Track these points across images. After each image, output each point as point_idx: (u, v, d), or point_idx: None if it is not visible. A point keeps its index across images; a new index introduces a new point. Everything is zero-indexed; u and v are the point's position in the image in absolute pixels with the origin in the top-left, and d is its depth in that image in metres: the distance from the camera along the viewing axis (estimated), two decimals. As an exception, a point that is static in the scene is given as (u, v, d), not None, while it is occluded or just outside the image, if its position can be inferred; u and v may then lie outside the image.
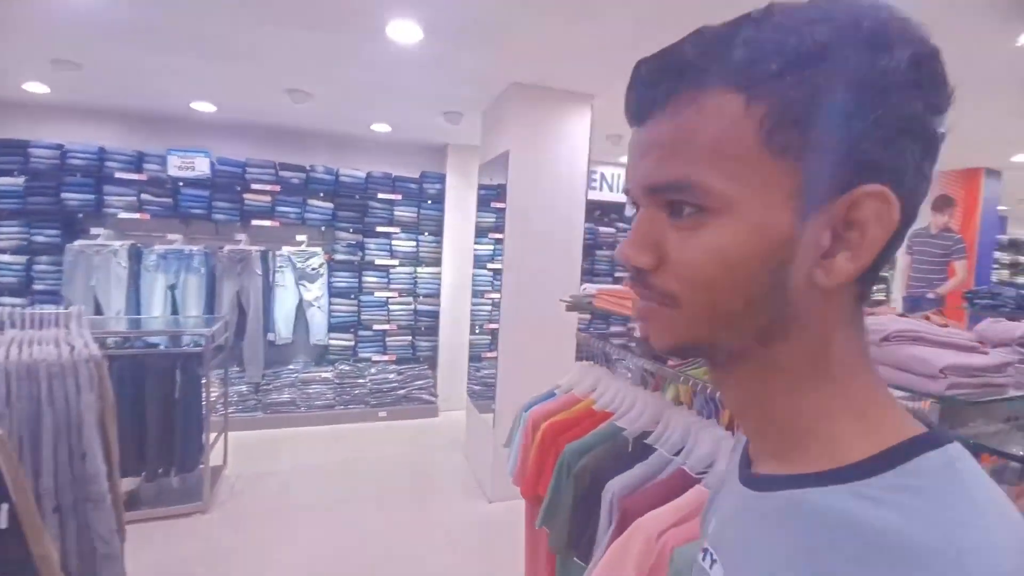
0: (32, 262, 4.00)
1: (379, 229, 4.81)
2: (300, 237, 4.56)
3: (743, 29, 0.32)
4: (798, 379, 0.35)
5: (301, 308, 4.54)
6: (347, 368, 4.73)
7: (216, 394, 3.78)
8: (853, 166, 0.31)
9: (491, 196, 3.99)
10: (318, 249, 4.60)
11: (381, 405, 4.70)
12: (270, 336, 4.42)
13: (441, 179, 4.92)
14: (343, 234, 4.76)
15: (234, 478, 3.56)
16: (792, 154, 0.31)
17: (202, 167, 4.25)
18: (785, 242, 0.32)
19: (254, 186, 4.42)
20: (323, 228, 4.71)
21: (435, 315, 5.02)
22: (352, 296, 4.80)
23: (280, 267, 4.43)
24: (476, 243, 4.54)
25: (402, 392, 4.79)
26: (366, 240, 4.80)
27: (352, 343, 4.81)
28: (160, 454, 3.19)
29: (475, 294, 4.69)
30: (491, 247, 4.43)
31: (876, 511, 0.29)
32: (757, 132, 0.31)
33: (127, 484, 3.15)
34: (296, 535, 3.04)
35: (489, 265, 4.88)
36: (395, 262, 4.88)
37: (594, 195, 5.00)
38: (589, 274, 5.13)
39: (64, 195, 4.01)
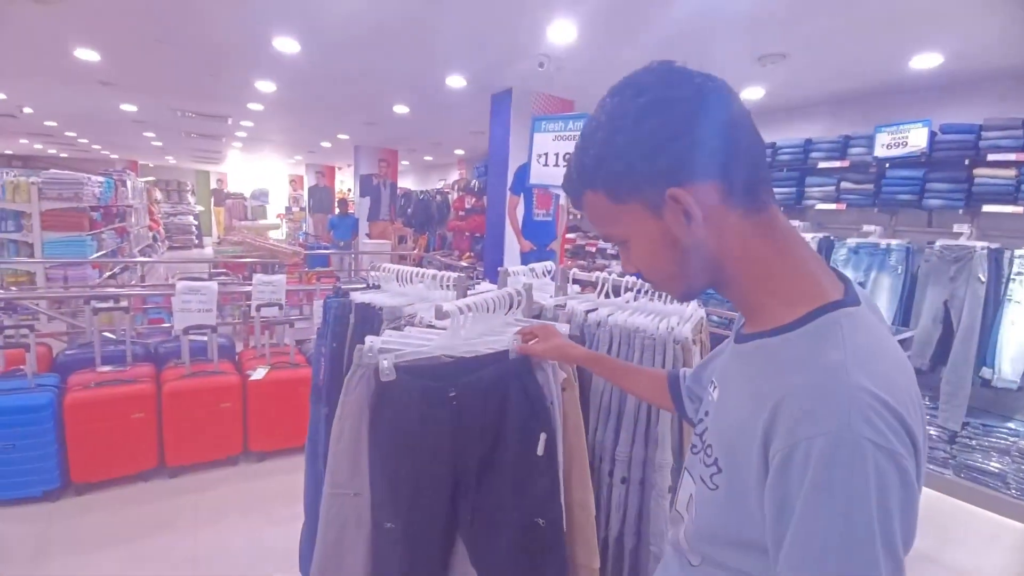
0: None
1: None
2: (1071, 228, 2.84)
3: (573, 160, 0.63)
4: (747, 285, 0.60)
5: (1051, 340, 2.86)
6: None
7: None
8: (649, 187, 0.57)
9: None
10: (1109, 248, 2.72)
11: None
12: (985, 372, 3.05)
13: None
14: None
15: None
16: (625, 199, 0.59)
17: (917, 140, 3.39)
18: (664, 235, 0.58)
19: (991, 157, 3.10)
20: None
21: None
22: None
23: (1019, 273, 2.94)
24: None
25: None
26: None
27: None
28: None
29: None
30: None
31: (788, 349, 0.54)
32: (607, 200, 0.60)
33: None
34: None
35: None
36: None
37: None
38: None
39: (771, 190, 4.27)
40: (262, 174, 16.51)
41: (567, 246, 6.19)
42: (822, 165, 3.94)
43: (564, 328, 1.29)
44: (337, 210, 9.09)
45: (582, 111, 4.52)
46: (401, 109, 5.77)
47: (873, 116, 3.77)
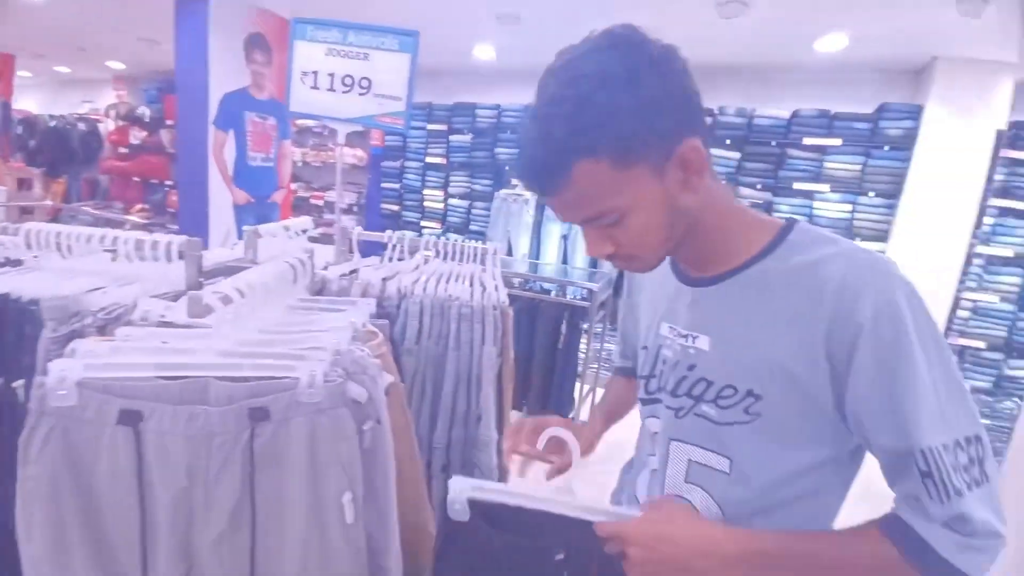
0: (472, 206, 4.78)
1: (797, 186, 3.70)
2: (697, 193, 3.94)
3: (555, 129, 0.55)
4: (718, 234, 0.63)
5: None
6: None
7: (589, 349, 3.68)
8: (662, 143, 0.55)
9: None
10: (715, 208, 3.89)
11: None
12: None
13: (914, 113, 3.35)
14: (748, 191, 3.88)
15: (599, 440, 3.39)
16: (632, 163, 0.55)
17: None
18: (665, 199, 0.58)
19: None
20: (723, 182, 3.96)
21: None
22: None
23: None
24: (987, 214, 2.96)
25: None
26: (776, 200, 3.78)
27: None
28: (539, 396, 3.25)
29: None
30: (992, 221, 3.10)
31: (786, 262, 0.59)
32: (609, 167, 0.54)
33: (513, 416, 3.38)
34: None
35: (981, 249, 3.22)
36: (814, 231, 3.72)
37: None
38: None
39: (497, 150, 4.57)
40: None
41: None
42: (538, 130, 4.40)
43: (365, 304, 1.02)
44: None
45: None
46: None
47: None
